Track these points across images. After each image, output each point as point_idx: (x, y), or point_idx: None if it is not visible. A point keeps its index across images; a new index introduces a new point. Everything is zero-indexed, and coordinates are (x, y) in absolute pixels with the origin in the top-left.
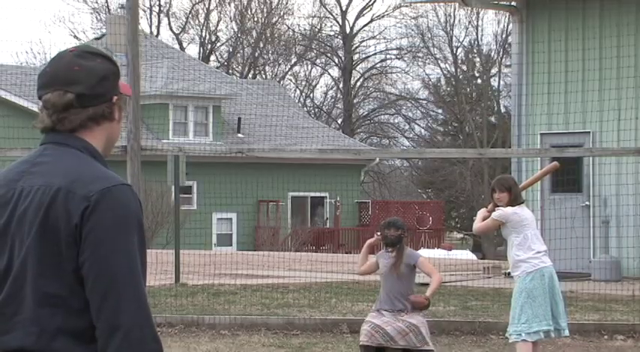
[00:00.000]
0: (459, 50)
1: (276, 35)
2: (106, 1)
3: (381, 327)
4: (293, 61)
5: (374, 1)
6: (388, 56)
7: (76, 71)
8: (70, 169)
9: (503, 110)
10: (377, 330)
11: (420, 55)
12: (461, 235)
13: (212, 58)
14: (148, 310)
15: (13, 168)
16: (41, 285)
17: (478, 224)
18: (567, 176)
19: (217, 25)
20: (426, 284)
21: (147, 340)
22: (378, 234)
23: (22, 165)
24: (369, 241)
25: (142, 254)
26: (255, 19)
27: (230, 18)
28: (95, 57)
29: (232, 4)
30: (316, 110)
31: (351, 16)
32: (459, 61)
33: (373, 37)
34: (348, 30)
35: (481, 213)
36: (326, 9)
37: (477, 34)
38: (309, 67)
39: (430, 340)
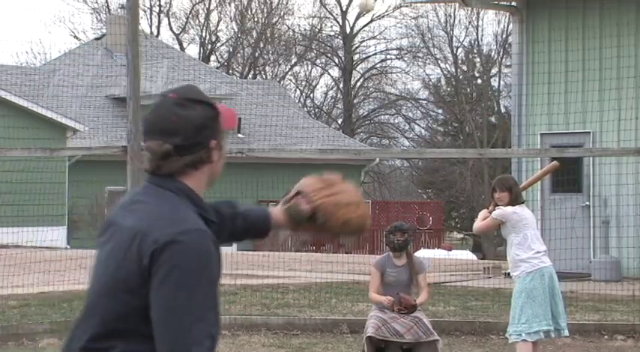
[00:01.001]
0: (459, 50)
1: (276, 35)
2: (106, 2)
3: (388, 322)
4: (293, 61)
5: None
6: (388, 56)
7: (174, 122)
8: (155, 212)
9: (503, 110)
10: (384, 324)
11: (420, 55)
12: (461, 235)
13: (212, 58)
14: (190, 346)
15: (121, 203)
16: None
17: (478, 223)
18: (567, 176)
19: (217, 25)
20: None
21: None
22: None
23: (126, 202)
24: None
25: (201, 294)
26: (256, 19)
27: (230, 18)
28: (194, 104)
29: (232, 4)
30: (316, 110)
31: (351, 16)
32: (459, 61)
33: (373, 37)
34: (348, 30)
35: (482, 213)
36: (326, 9)
37: (477, 34)
38: (309, 67)
39: (433, 330)
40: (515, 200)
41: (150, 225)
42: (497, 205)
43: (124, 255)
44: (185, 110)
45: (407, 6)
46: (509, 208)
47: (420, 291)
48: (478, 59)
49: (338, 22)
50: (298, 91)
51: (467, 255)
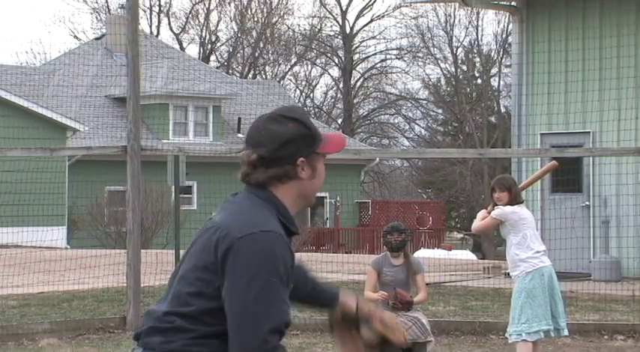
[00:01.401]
0: (459, 50)
1: (276, 35)
2: (106, 1)
3: None
4: (293, 61)
5: (374, 1)
6: (388, 56)
7: (262, 134)
8: (239, 212)
9: (503, 110)
10: None
11: (420, 55)
12: (461, 235)
13: (212, 58)
14: (250, 344)
15: (222, 204)
16: (181, 297)
17: (476, 223)
18: (567, 176)
19: (217, 25)
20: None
21: None
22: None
23: (224, 203)
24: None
25: (266, 292)
26: (255, 19)
27: (230, 18)
28: (287, 121)
29: (232, 4)
30: (316, 110)
31: (351, 16)
32: (459, 61)
33: (373, 37)
34: (348, 30)
35: (481, 214)
36: (326, 9)
37: (477, 34)
38: (309, 67)
39: (430, 331)
40: (514, 200)
41: (230, 222)
42: (497, 205)
43: (204, 247)
44: (275, 124)
45: (407, 6)
46: (509, 208)
47: (418, 291)
48: (478, 59)
49: (338, 22)
50: (298, 91)
51: (467, 255)
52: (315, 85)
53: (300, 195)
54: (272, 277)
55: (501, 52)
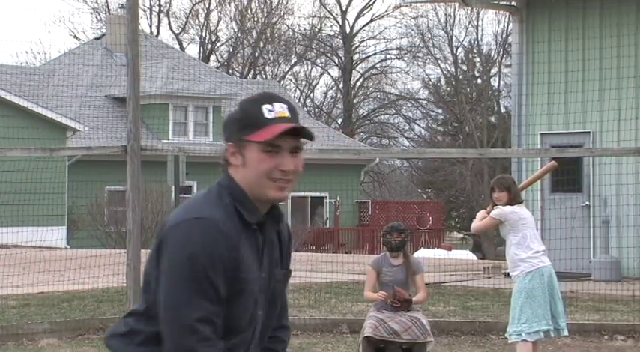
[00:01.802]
0: (459, 50)
1: (276, 35)
2: (106, 1)
3: (385, 322)
4: (293, 61)
5: (374, 1)
6: (388, 56)
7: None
8: (185, 203)
9: (503, 110)
10: (381, 323)
11: (420, 55)
12: (461, 235)
13: (212, 58)
14: (179, 337)
15: None
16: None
17: (476, 223)
18: (567, 176)
19: (217, 25)
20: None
21: None
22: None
23: None
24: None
25: (187, 281)
26: (255, 19)
27: (230, 18)
28: (240, 104)
29: (232, 4)
30: (316, 110)
31: (351, 16)
32: (459, 61)
33: (373, 37)
34: (348, 30)
35: (480, 214)
36: (326, 9)
37: (476, 34)
38: (309, 67)
39: (430, 331)
40: (513, 200)
41: (173, 213)
42: (496, 205)
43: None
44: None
45: (407, 6)
46: (508, 208)
47: (417, 291)
48: (478, 59)
49: (338, 22)
50: (298, 91)
51: (467, 255)
52: (315, 85)
53: (242, 182)
54: (194, 266)
55: (501, 52)
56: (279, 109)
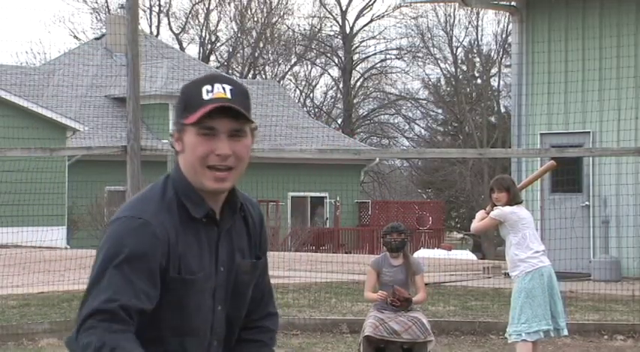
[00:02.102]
0: (459, 50)
1: (275, 35)
2: (106, 1)
3: (385, 321)
4: (293, 61)
5: (374, 1)
6: (388, 56)
7: None
8: (131, 197)
9: (503, 110)
10: (381, 323)
11: (420, 55)
12: (461, 235)
13: (212, 58)
14: (78, 322)
15: None
16: None
17: (475, 223)
18: (567, 176)
19: (217, 25)
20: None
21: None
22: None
23: None
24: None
25: (100, 276)
26: (255, 19)
27: (230, 18)
28: (183, 86)
29: (232, 4)
30: (316, 110)
31: (351, 16)
32: (459, 61)
33: (373, 37)
34: (347, 30)
35: (480, 214)
36: (326, 9)
37: (476, 34)
38: (309, 67)
39: (431, 331)
40: (513, 200)
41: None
42: (496, 205)
43: None
44: None
45: (407, 6)
46: (508, 208)
47: (417, 291)
48: (478, 59)
49: (338, 22)
50: (298, 91)
51: (467, 255)
52: (315, 85)
53: (184, 171)
54: (111, 263)
55: (501, 52)
56: (218, 90)
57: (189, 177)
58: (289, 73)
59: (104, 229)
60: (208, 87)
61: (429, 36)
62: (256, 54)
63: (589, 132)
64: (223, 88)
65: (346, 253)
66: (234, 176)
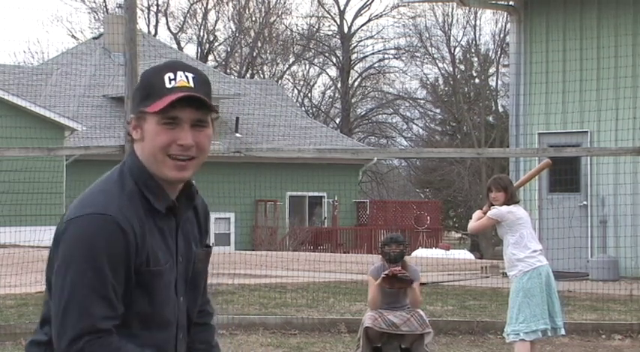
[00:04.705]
0: (457, 50)
1: (274, 35)
2: (104, 1)
3: (384, 315)
4: (291, 61)
5: (372, 1)
6: (386, 56)
7: None
8: (84, 193)
9: (501, 110)
10: (380, 316)
11: (418, 54)
12: (459, 235)
13: (210, 57)
14: (67, 328)
15: None
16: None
17: (473, 223)
18: (565, 176)
19: (215, 24)
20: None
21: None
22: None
23: None
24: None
25: (79, 284)
26: (253, 18)
27: (228, 17)
28: (143, 73)
29: (230, 4)
30: (314, 110)
31: (348, 16)
32: (457, 61)
33: (371, 37)
34: (345, 29)
35: (476, 214)
36: (324, 9)
37: (474, 33)
38: (307, 67)
39: (428, 323)
40: (510, 199)
41: (71, 206)
42: (493, 205)
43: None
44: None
45: (405, 5)
46: (505, 208)
47: (412, 297)
48: (476, 59)
49: (336, 22)
50: (296, 91)
51: (464, 255)
52: (313, 85)
53: (143, 160)
54: (86, 267)
55: (499, 52)
56: (181, 78)
57: (148, 165)
58: (287, 72)
59: (59, 228)
60: (170, 74)
61: (427, 35)
62: (254, 53)
63: (587, 131)
64: (186, 77)
65: (344, 253)
66: (195, 166)
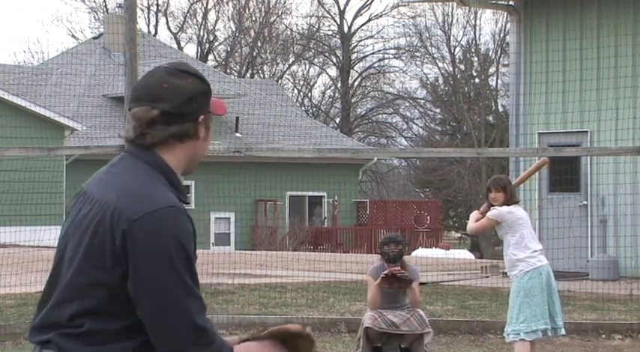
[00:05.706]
0: (457, 49)
1: (274, 34)
2: (104, 1)
3: (384, 315)
4: (291, 61)
5: (372, 1)
6: (386, 55)
7: (164, 88)
8: (125, 185)
9: (501, 109)
10: (380, 316)
11: (418, 54)
12: (459, 234)
13: (210, 57)
14: (176, 331)
15: (97, 173)
16: (77, 291)
17: (472, 224)
18: (565, 175)
19: (215, 24)
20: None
21: None
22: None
23: (101, 170)
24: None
25: (182, 275)
26: (253, 18)
27: (228, 17)
28: (186, 76)
29: (230, 4)
30: (314, 109)
31: (349, 16)
32: (457, 61)
33: (371, 37)
34: (346, 29)
35: (474, 215)
36: (324, 8)
37: (474, 33)
38: (307, 67)
39: (428, 323)
40: (510, 199)
41: (121, 201)
42: (493, 205)
43: (95, 230)
44: (177, 79)
45: (405, 5)
46: (505, 208)
47: (412, 297)
48: (476, 58)
49: (336, 21)
50: (296, 90)
51: (464, 255)
52: (313, 85)
53: (191, 158)
54: (184, 259)
55: (499, 52)
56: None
57: (188, 162)
58: (287, 72)
59: (129, 230)
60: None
61: (427, 35)
62: (254, 53)
63: (587, 131)
64: None
65: (344, 252)
66: None
